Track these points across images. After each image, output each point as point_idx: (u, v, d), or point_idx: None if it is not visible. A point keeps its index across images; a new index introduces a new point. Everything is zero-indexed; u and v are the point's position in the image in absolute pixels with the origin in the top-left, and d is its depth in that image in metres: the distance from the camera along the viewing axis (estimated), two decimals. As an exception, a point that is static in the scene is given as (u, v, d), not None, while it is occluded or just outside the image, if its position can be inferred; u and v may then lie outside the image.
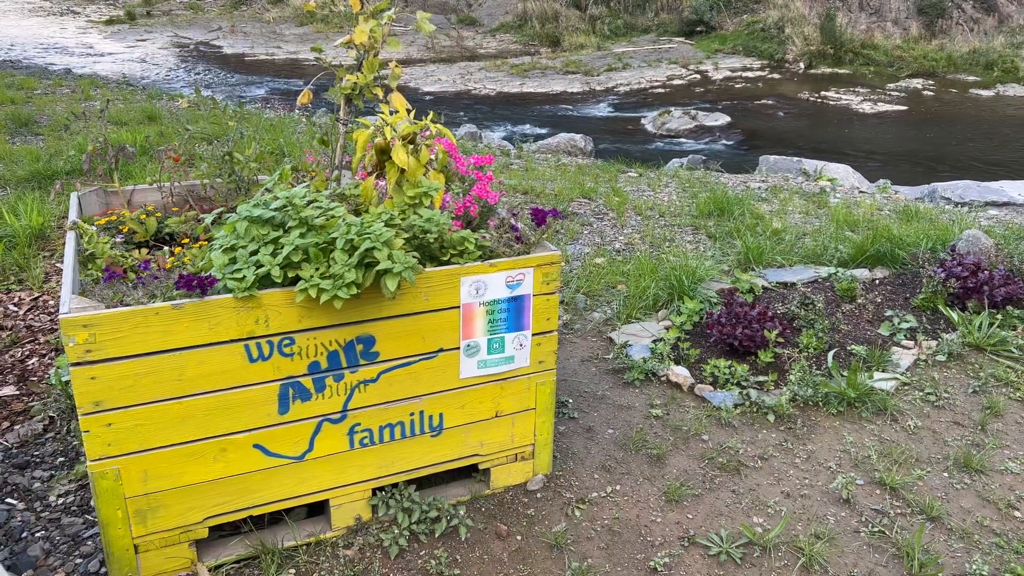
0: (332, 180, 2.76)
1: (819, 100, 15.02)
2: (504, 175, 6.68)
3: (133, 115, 7.98)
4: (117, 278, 2.17)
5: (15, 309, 4.02)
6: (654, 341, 3.80)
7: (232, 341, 2.27)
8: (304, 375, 2.40)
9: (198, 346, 2.24)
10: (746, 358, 3.60)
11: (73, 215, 2.83)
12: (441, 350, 2.56)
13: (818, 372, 3.50)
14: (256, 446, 2.42)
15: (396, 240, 2.32)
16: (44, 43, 18.79)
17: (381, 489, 2.68)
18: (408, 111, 2.69)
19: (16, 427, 3.13)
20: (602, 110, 14.22)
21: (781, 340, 3.60)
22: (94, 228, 2.83)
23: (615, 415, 3.29)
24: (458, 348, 2.58)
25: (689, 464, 2.98)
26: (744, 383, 3.41)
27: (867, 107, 14.23)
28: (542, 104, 14.53)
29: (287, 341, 2.34)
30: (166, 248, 2.78)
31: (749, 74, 17.33)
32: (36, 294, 4.17)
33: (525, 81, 16.21)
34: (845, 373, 3.43)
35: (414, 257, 2.33)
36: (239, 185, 2.85)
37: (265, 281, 2.29)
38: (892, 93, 15.48)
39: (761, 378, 3.43)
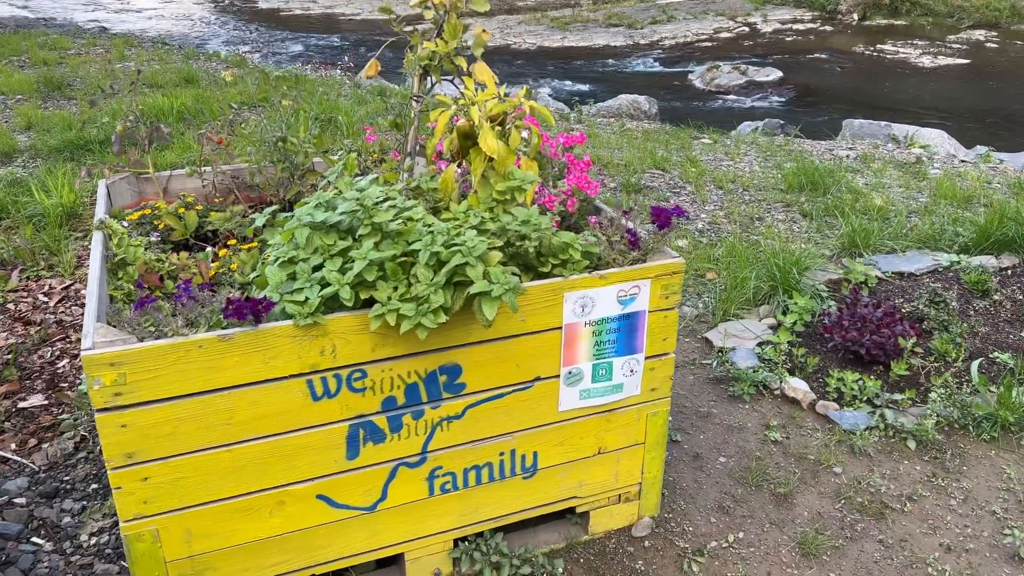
0: (404, 170, 2.30)
1: (874, 54, 14.11)
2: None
3: (169, 77, 7.56)
4: (151, 303, 1.74)
5: (45, 300, 3.65)
6: (760, 344, 3.31)
7: (292, 376, 1.85)
8: (377, 413, 1.98)
9: (251, 384, 1.82)
10: (872, 368, 3.10)
11: (101, 210, 2.41)
12: (538, 379, 2.11)
13: (960, 386, 2.99)
14: (320, 497, 2.01)
15: (493, 254, 1.86)
16: None
17: (464, 539, 2.27)
18: (497, 84, 2.21)
19: (44, 445, 2.77)
20: (647, 65, 13.51)
21: (917, 349, 3.09)
22: (125, 226, 2.41)
23: (725, 438, 2.82)
24: (557, 376, 2.13)
25: (823, 505, 2.51)
26: (876, 401, 2.92)
27: (926, 61, 13.32)
28: (585, 59, 13.85)
29: (358, 374, 1.91)
30: (209, 249, 2.35)
31: (800, 26, 16.40)
32: (67, 282, 3.80)
33: (566, 35, 15.48)
34: (994, 389, 2.92)
35: (514, 274, 1.87)
36: (292, 173, 2.41)
37: (331, 303, 1.85)
38: (953, 46, 14.48)
39: (896, 395, 2.93)
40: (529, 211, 2.07)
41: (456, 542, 2.25)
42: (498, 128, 2.19)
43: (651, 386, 2.27)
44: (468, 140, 2.17)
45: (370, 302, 1.84)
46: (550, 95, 9.60)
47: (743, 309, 3.63)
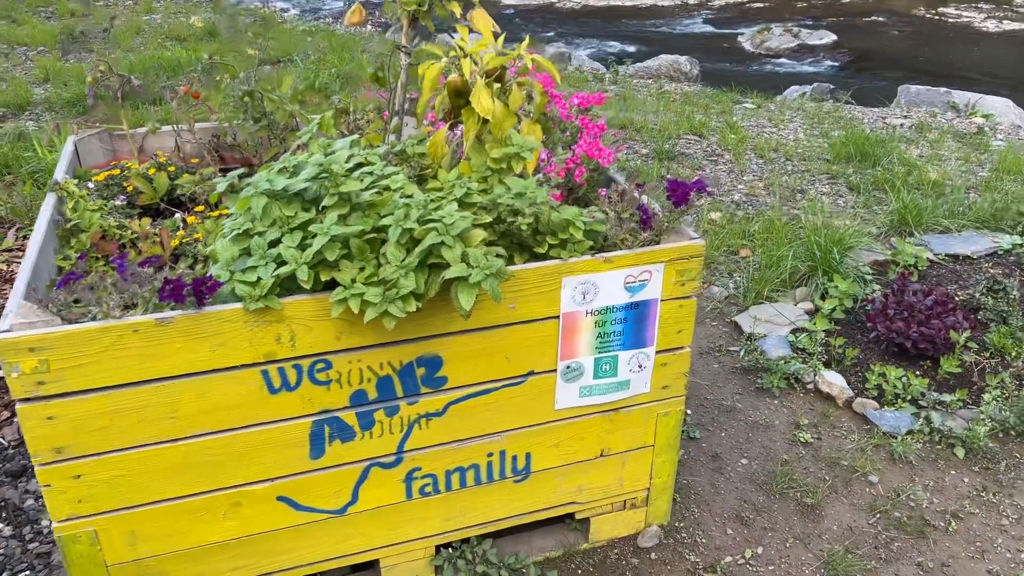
0: (390, 131, 2.04)
1: (935, 17, 13.30)
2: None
3: (195, 30, 7.35)
4: (76, 279, 1.52)
5: (38, 261, 3.48)
6: (794, 332, 3.01)
7: (244, 366, 1.62)
8: (345, 408, 1.75)
9: (197, 374, 1.60)
10: (918, 363, 2.79)
11: (61, 169, 2.20)
12: (531, 373, 1.86)
13: (1020, 388, 2.67)
14: (282, 499, 1.79)
15: (475, 232, 1.60)
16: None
17: (448, 546, 2.05)
18: (495, 35, 1.93)
19: (16, 419, 2.60)
20: (695, 26, 12.92)
21: (971, 344, 2.77)
22: (90, 187, 2.19)
23: (749, 437, 2.55)
24: (554, 371, 1.88)
25: (855, 519, 2.24)
26: (922, 401, 2.61)
27: (991, 25, 12.51)
28: (631, 19, 13.31)
29: (321, 365, 1.68)
30: (178, 216, 2.13)
31: (858, -12, 15.58)
32: (64, 243, 3.63)
33: (614, -7, 14.92)
34: (1058, 392, 2.59)
35: (499, 257, 1.61)
36: (272, 133, 2.16)
37: (289, 283, 1.61)
38: (1020, 9, 13.61)
39: (944, 396, 2.62)
40: (526, 182, 1.80)
41: (439, 548, 2.03)
42: (496, 85, 1.92)
43: (662, 383, 2.00)
44: (460, 98, 1.90)
45: (334, 284, 1.60)
46: (590, 55, 9.19)
47: (778, 291, 3.33)
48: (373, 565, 2.01)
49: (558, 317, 1.81)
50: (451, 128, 1.98)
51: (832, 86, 6.72)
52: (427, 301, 1.60)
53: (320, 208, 1.66)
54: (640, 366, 1.95)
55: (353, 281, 1.58)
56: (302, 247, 1.60)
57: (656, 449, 2.09)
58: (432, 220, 1.58)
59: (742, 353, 2.94)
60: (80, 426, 1.57)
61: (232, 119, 2.15)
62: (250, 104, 2.06)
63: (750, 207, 4.18)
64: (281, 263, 1.59)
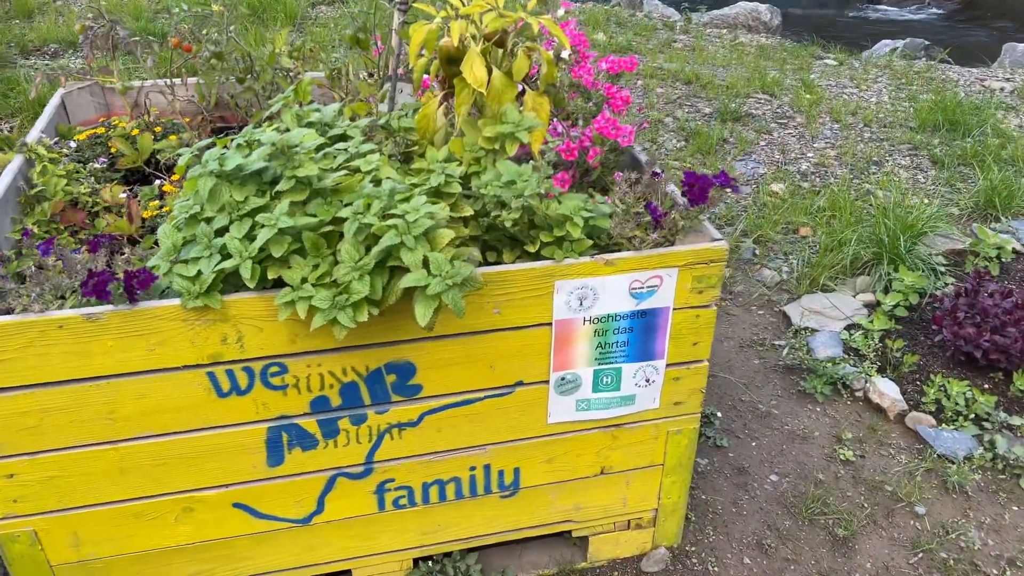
0: (378, 100, 1.81)
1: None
2: (663, 56, 5.43)
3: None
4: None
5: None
6: (848, 328, 2.70)
7: (187, 368, 1.46)
8: (304, 415, 1.57)
9: (134, 374, 1.44)
10: (988, 377, 2.46)
11: (39, 126, 2.05)
12: (519, 384, 1.65)
13: (1105, 412, 2.32)
14: (238, 505, 1.64)
15: (442, 233, 1.37)
16: None
17: (427, 559, 1.88)
18: (499, -8, 1.67)
19: None
20: (782, -33, 12.05)
21: (1052, 358, 2.42)
22: (72, 145, 2.04)
23: (783, 450, 2.29)
24: (546, 382, 1.66)
25: (893, 556, 1.97)
26: (987, 421, 2.29)
27: None
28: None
29: (275, 369, 1.50)
30: (157, 184, 1.96)
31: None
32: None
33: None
34: None
35: (469, 261, 1.38)
36: (258, 95, 1.96)
37: (237, 279, 1.43)
38: None
39: (1015, 419, 2.29)
40: (519, 169, 1.56)
41: (417, 562, 1.87)
42: (498, 50, 1.67)
43: (674, 399, 1.76)
44: (453, 66, 1.65)
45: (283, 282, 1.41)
46: (668, 2, 8.66)
47: (836, 279, 3.00)
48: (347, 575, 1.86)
49: (550, 324, 1.59)
50: (447, 99, 1.74)
51: (927, 42, 6.12)
52: (397, 302, 1.40)
53: (278, 193, 1.46)
54: (648, 380, 1.71)
55: (303, 281, 1.38)
56: (250, 238, 1.40)
57: (666, 469, 1.86)
58: (394, 215, 1.36)
59: (787, 350, 2.65)
60: (7, 424, 1.43)
61: (208, 79, 1.96)
62: (217, 66, 1.86)
63: (817, 179, 3.81)
64: (226, 256, 1.40)
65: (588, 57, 2.24)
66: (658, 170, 1.66)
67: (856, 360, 2.56)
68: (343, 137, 1.68)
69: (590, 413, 1.72)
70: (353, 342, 1.50)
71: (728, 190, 1.54)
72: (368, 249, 1.37)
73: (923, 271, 2.85)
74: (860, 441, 2.31)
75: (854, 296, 2.90)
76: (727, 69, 5.21)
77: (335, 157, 1.57)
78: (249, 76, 1.93)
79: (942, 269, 2.91)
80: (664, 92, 4.80)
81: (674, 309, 1.63)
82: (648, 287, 1.59)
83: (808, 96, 4.71)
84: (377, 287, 1.35)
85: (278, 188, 1.43)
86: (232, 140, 1.53)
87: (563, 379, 1.66)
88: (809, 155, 4.06)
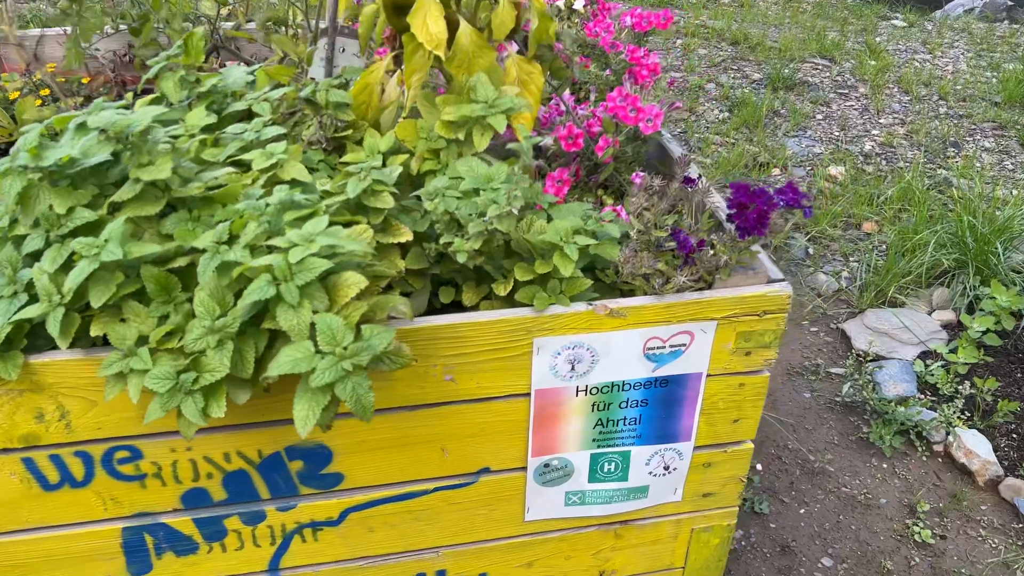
0: (305, 62, 1.32)
1: None
2: (707, 12, 4.82)
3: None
4: None
5: None
6: (923, 356, 2.18)
7: (-11, 453, 1.00)
8: (174, 512, 1.11)
9: (-89, 460, 0.99)
10: (1110, 432, 1.93)
11: None
12: (485, 472, 1.17)
13: None
14: (94, 622, 1.20)
15: (345, 280, 0.88)
16: None
17: (364, 677, 1.42)
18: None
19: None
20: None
21: None
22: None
23: (840, 521, 1.80)
24: (523, 469, 1.18)
25: None
26: (1110, 500, 1.78)
27: None
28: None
29: (124, 454, 1.04)
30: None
31: None
32: None
33: None
34: None
35: (392, 321, 0.90)
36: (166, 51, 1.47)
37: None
38: None
39: None
40: (490, 170, 1.06)
41: None
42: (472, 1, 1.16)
43: (703, 490, 1.27)
44: (402, 16, 1.15)
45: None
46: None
47: (908, 291, 2.47)
48: None
49: (528, 395, 1.10)
50: (398, 63, 1.24)
51: (1009, 1, 5.41)
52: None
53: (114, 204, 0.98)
54: (667, 468, 1.22)
55: (141, 340, 0.90)
56: (67, 270, 0.93)
57: (687, 573, 1.38)
58: (277, 250, 0.87)
59: (847, 384, 2.14)
60: None
61: (89, 30, 1.47)
62: (77, 11, 1.37)
63: (883, 161, 3.24)
64: (33, 297, 0.93)
65: (609, 9, 1.72)
66: (694, 174, 1.15)
67: (934, 401, 2.05)
68: (250, 116, 1.19)
69: (585, 509, 1.24)
70: (237, 420, 1.03)
71: (793, 213, 1.03)
72: (221, 310, 0.88)
73: (1021, 287, 2.30)
74: (940, 515, 1.81)
75: (929, 313, 2.36)
76: (779, 28, 4.60)
77: (225, 146, 1.08)
78: (157, 27, 1.44)
79: (1043, 284, 2.36)
80: (707, 54, 4.21)
81: (708, 376, 1.14)
82: (672, 347, 1.09)
83: (873, 62, 4.10)
84: (248, 359, 0.87)
85: (114, 196, 0.95)
86: (68, 118, 1.05)
87: (547, 466, 1.18)
88: (874, 132, 3.48)
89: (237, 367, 0.86)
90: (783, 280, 1.10)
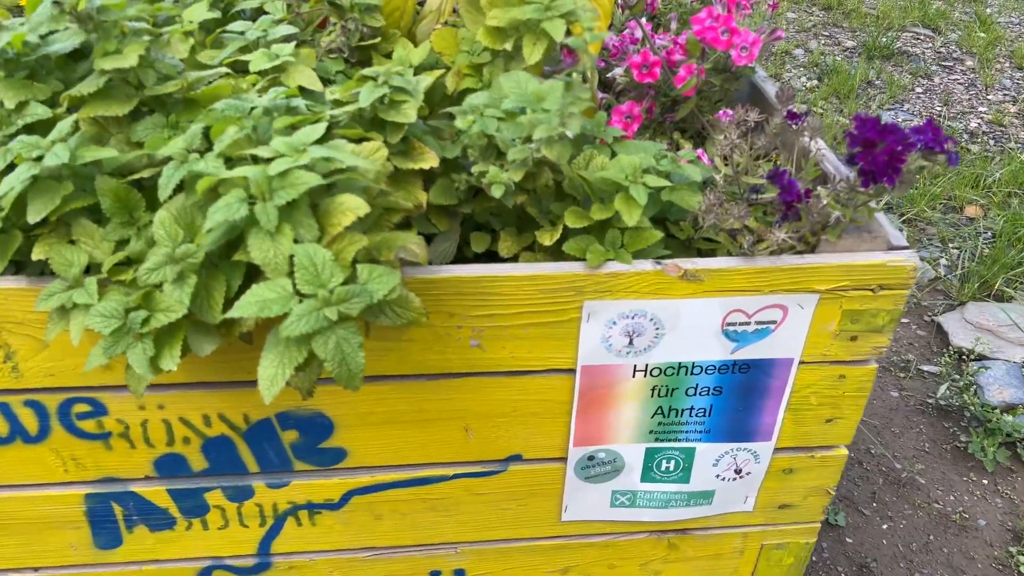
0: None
1: None
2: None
3: None
4: None
5: None
6: (1036, 361, 1.90)
7: (-76, 395, 0.84)
8: (146, 480, 0.94)
9: None
10: None
11: None
12: (515, 459, 0.97)
13: None
14: (56, 596, 1.04)
15: (342, 203, 0.67)
16: None
17: None
18: None
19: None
20: None
21: None
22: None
23: (929, 542, 1.55)
24: (562, 460, 0.97)
25: None
26: None
27: None
28: None
29: (84, 408, 0.87)
30: None
31: None
32: None
33: None
34: None
35: (399, 260, 0.69)
36: None
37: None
38: None
39: None
40: (542, 87, 0.84)
41: None
42: None
43: (780, 500, 1.05)
44: None
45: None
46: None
47: (1019, 282, 2.17)
48: None
49: (573, 371, 0.89)
50: (442, -40, 1.03)
51: None
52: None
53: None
54: (738, 471, 1.00)
55: (95, 272, 0.72)
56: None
57: (752, 595, 1.16)
58: (259, 159, 0.68)
59: (944, 386, 1.87)
60: None
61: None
62: None
63: (991, 141, 2.90)
64: (-33, 210, 0.76)
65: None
66: (797, 109, 0.92)
67: (1049, 413, 1.77)
68: (261, 14, 1.00)
69: (635, 512, 1.03)
70: (216, 376, 0.85)
71: (939, 158, 0.79)
72: (197, 229, 0.69)
73: None
74: (1052, 545, 1.54)
75: (1044, 311, 2.07)
76: (878, -5, 4.23)
77: (225, 46, 0.89)
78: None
79: None
80: (796, 18, 3.88)
81: (801, 363, 0.91)
82: (758, 324, 0.87)
83: (983, 35, 3.72)
84: (216, 299, 0.68)
85: (73, 90, 0.76)
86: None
87: (591, 459, 0.97)
88: (981, 109, 3.13)
89: (201, 308, 0.67)
90: (907, 248, 0.86)
